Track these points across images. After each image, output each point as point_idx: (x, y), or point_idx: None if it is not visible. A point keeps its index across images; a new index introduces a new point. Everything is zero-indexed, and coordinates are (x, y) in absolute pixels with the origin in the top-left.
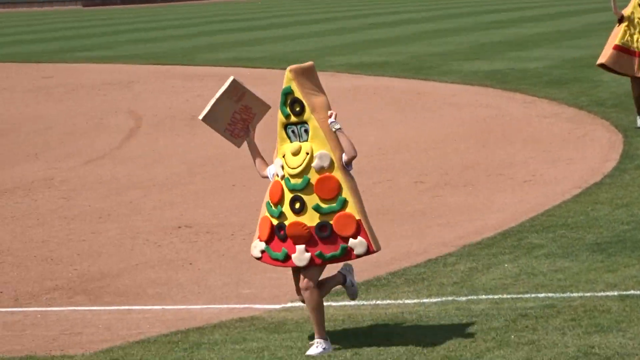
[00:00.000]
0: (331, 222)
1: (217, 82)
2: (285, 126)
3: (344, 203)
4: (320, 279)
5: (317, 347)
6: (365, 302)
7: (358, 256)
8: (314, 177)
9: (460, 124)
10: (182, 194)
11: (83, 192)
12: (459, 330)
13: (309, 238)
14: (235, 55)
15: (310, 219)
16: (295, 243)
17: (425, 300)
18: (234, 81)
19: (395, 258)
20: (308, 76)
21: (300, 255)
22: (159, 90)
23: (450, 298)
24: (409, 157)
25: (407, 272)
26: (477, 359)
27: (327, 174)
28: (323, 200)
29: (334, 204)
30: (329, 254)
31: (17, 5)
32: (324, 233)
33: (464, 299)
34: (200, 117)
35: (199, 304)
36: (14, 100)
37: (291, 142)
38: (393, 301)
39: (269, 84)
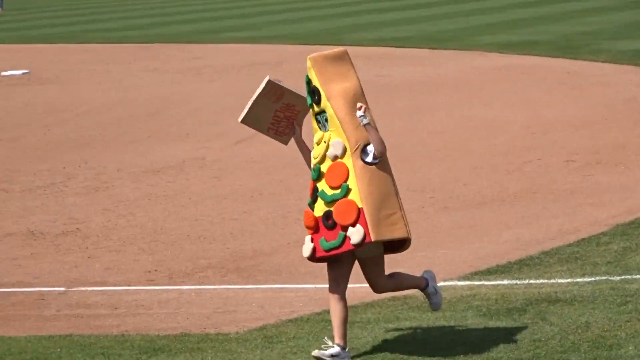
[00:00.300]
0: (333, 209)
1: (364, 61)
2: (315, 116)
3: (347, 191)
4: (400, 272)
5: (329, 352)
6: (518, 282)
7: (355, 245)
8: (327, 165)
9: (611, 103)
10: None
11: (234, 171)
12: (613, 310)
13: (315, 227)
14: (382, 35)
15: (319, 208)
16: (308, 233)
17: (578, 279)
18: (269, 82)
19: (547, 237)
20: (331, 63)
21: (307, 245)
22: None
23: (604, 277)
24: (559, 136)
25: (559, 251)
26: (632, 339)
27: (339, 161)
28: (330, 187)
29: (337, 192)
30: (328, 243)
31: None
32: (328, 222)
33: (618, 278)
34: (239, 119)
35: (351, 283)
36: (164, 81)
37: (320, 131)
38: (546, 280)
39: (417, 64)
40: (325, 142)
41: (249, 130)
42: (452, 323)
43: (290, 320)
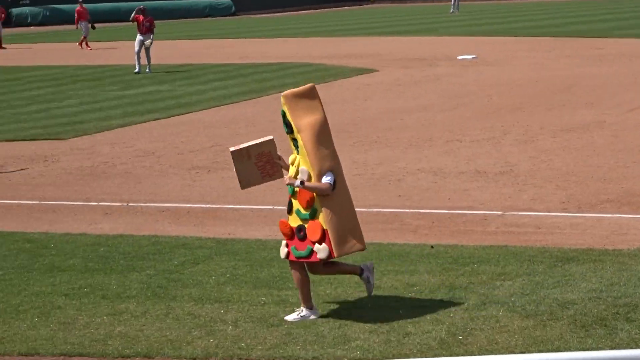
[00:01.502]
0: (306, 226)
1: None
2: (292, 139)
3: (315, 213)
4: (338, 263)
5: (297, 314)
6: None
7: (321, 260)
8: None
9: None
10: None
11: (627, 132)
12: None
13: (290, 236)
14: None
15: (294, 220)
16: (283, 238)
17: None
18: (233, 153)
19: None
20: (301, 99)
21: (282, 248)
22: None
23: None
24: None
25: None
26: None
27: None
28: (303, 207)
29: (307, 213)
30: (298, 252)
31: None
32: (300, 234)
33: None
34: (240, 187)
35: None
36: (574, 64)
37: (295, 152)
38: None
39: None
40: (295, 166)
41: (638, 102)
42: None
43: None
